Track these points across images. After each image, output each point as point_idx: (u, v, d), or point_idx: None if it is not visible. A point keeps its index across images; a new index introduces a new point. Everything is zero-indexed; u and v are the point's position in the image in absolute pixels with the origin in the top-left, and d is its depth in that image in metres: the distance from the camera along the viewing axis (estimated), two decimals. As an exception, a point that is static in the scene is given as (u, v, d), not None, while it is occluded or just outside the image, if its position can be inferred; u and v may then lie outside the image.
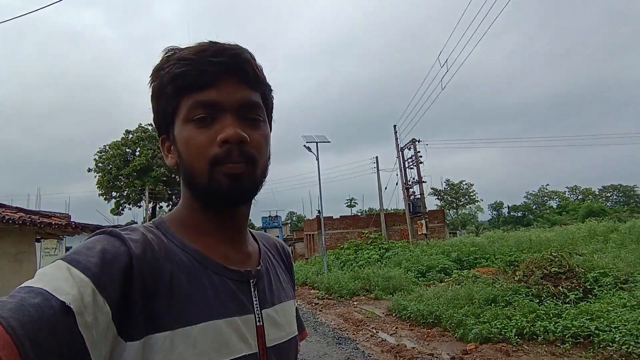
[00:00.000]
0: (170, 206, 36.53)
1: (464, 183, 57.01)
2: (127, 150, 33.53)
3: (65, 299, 0.43)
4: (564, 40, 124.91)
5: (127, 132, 34.19)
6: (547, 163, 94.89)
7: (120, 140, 33.60)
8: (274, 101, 0.70)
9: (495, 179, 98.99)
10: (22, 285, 0.46)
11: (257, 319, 0.63)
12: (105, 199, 33.41)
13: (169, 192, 33.50)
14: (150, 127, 34.50)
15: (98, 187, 33.17)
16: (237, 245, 0.68)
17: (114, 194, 33.43)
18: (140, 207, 33.30)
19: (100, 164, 33.22)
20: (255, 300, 0.64)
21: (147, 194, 29.27)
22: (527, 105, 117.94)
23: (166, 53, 0.62)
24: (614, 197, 60.52)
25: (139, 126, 34.44)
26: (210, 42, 0.61)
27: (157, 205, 35.21)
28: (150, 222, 0.65)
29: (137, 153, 33.05)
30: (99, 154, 33.57)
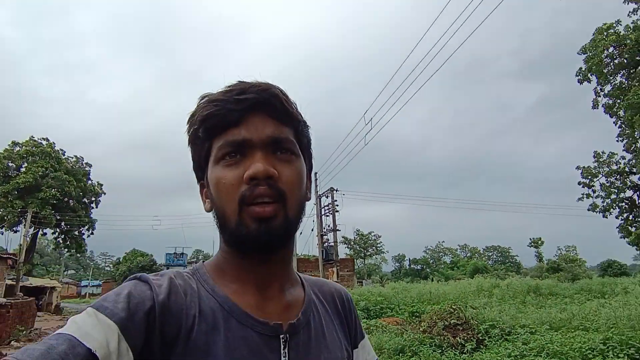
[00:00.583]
0: (56, 234, 31.64)
1: (372, 234, 60.06)
2: (10, 164, 28.93)
3: (91, 346, 0.44)
4: (461, 118, 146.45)
5: (14, 143, 29.67)
6: (444, 221, 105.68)
7: (2, 151, 28.96)
8: (310, 137, 0.68)
9: (399, 232, 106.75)
10: (55, 332, 0.46)
11: None
12: (-31, 219, 27.91)
13: (58, 217, 29.21)
14: (44, 142, 30.54)
15: (-38, 203, 27.72)
16: (274, 293, 0.63)
17: (-18, 213, 28.14)
18: (16, 232, 28.28)
19: (-31, 177, 28.05)
20: None
21: (29, 217, 25.10)
22: (431, 168, 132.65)
23: (201, 99, 0.61)
24: (494, 256, 68.90)
25: (30, 139, 30.16)
26: (239, 81, 0.61)
27: (41, 232, 30.28)
28: (190, 267, 0.64)
29: (23, 169, 28.70)
30: (-29, 165, 28.45)
